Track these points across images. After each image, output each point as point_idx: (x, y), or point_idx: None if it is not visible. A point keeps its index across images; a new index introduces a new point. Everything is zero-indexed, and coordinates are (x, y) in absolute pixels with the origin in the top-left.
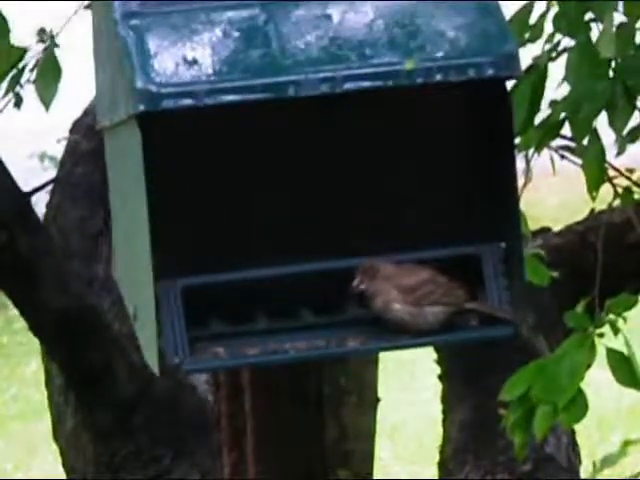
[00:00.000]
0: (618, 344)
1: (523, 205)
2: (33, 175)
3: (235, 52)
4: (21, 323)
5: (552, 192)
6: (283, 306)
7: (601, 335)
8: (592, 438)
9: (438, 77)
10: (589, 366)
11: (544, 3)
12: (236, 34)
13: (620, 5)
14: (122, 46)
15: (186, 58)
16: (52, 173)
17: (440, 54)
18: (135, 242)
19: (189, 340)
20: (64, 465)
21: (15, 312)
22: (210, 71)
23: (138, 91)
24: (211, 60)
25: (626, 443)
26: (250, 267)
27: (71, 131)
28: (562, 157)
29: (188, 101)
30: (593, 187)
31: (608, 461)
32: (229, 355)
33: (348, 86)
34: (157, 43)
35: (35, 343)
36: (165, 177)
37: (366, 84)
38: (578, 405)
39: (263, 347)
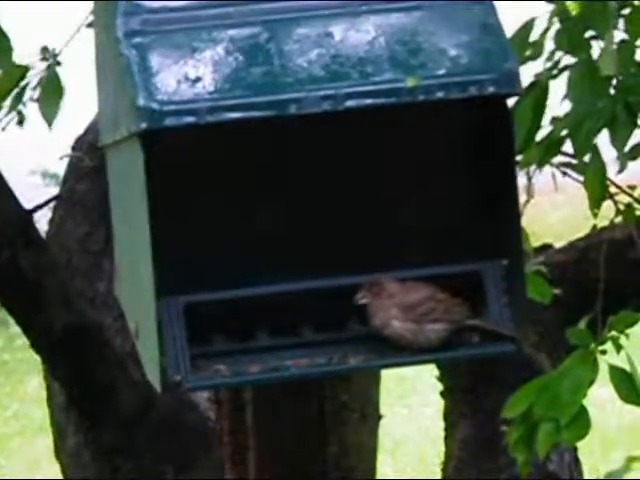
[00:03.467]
0: (621, 361)
1: (524, 222)
2: (34, 192)
3: (237, 70)
4: (23, 340)
5: (553, 209)
6: (284, 323)
7: (603, 352)
8: (594, 455)
9: (439, 94)
10: (592, 383)
11: (545, 20)
12: (238, 52)
13: (621, 23)
14: (124, 64)
15: (188, 76)
16: (53, 190)
17: (441, 71)
18: (137, 259)
19: (191, 357)
20: None
21: (17, 329)
22: (212, 89)
23: (140, 109)
24: (213, 78)
25: (630, 459)
26: (251, 285)
27: (73, 148)
28: (564, 174)
29: (190, 119)
30: (595, 204)
31: (612, 477)
32: (231, 372)
33: (350, 104)
34: (159, 61)
35: (37, 360)
36: (167, 194)
37: (368, 101)
38: (581, 422)
39: (265, 364)
